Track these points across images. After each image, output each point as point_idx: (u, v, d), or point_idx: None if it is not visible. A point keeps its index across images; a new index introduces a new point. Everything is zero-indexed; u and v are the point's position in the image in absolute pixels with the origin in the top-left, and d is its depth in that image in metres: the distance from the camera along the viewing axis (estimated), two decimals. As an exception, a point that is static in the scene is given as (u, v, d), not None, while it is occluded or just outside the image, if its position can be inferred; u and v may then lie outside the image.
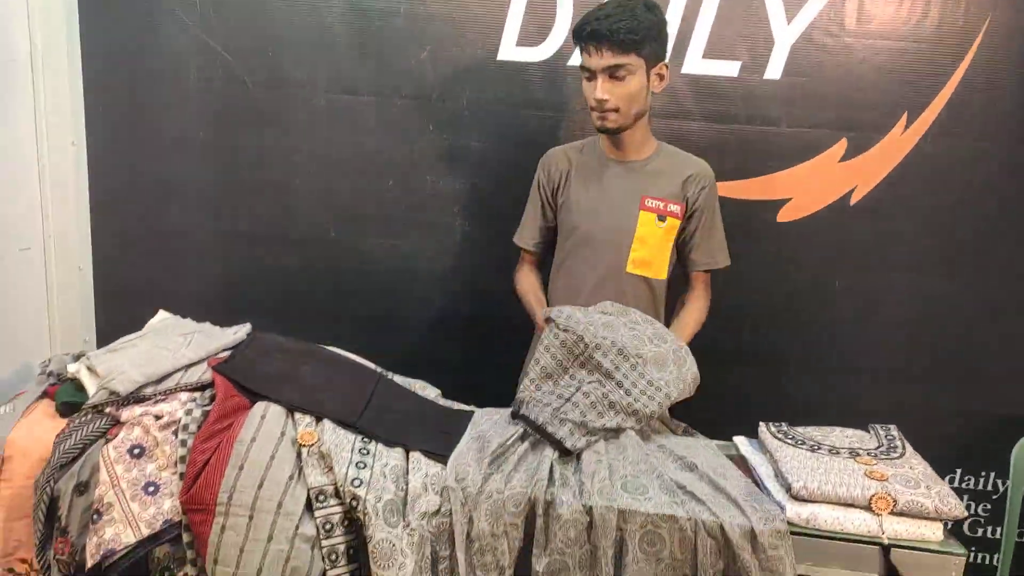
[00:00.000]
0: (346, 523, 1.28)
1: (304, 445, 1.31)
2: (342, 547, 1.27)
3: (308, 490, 1.27)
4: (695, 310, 1.81)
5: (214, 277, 2.27)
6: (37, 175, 2.14)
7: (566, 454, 1.40)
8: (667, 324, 1.79)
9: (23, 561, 1.37)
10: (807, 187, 2.03)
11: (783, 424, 1.55)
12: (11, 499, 1.35)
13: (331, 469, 1.29)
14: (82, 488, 1.30)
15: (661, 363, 1.52)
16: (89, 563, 1.24)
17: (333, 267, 2.25)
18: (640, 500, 1.29)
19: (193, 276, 2.27)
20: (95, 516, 1.25)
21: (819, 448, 1.43)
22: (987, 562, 2.17)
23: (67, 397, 1.43)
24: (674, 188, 1.77)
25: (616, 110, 1.67)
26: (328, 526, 1.26)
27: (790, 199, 2.04)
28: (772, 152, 2.04)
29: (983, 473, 2.15)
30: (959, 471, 2.15)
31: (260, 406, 1.36)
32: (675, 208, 1.76)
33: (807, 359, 2.14)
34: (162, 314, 1.73)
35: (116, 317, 2.26)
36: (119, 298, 2.29)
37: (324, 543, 1.25)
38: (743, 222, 2.02)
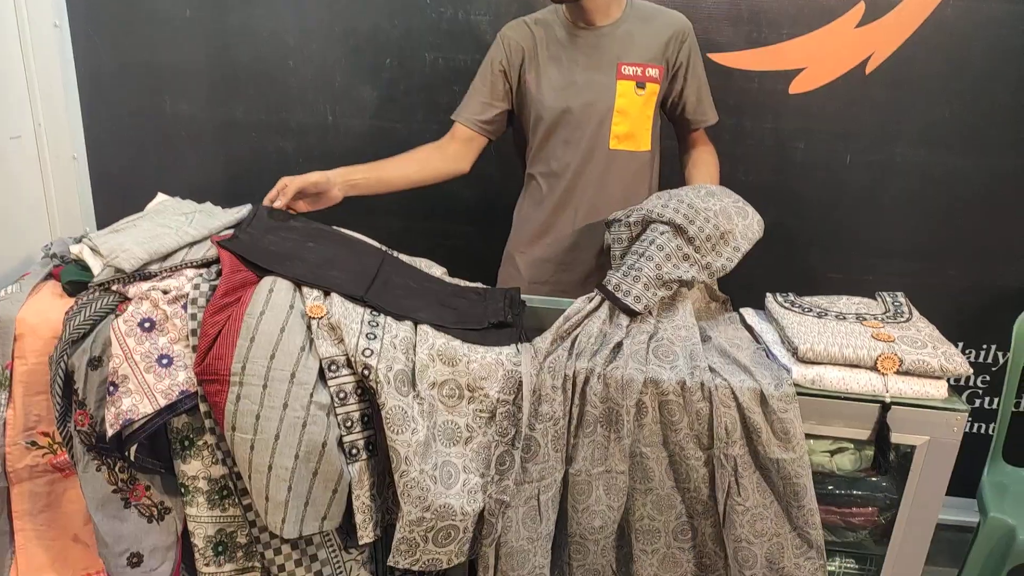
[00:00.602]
0: (359, 392, 1.29)
1: (313, 318, 1.31)
2: (356, 414, 1.29)
3: (320, 360, 1.28)
4: (712, 164, 1.77)
5: (210, 163, 2.23)
6: (21, 59, 2.06)
7: (634, 315, 1.40)
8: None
9: (44, 434, 1.40)
10: (821, 55, 1.95)
11: (790, 294, 1.55)
12: (26, 375, 1.37)
13: (341, 340, 1.29)
14: (95, 363, 1.31)
15: (728, 216, 1.48)
16: (109, 432, 1.26)
17: (332, 152, 2.21)
18: (664, 369, 1.31)
19: (189, 163, 2.23)
20: (111, 388, 1.27)
21: (826, 314, 1.44)
22: (983, 431, 2.23)
23: (73, 276, 1.43)
24: (652, 50, 1.67)
25: None
26: (342, 395, 1.28)
27: (804, 69, 1.97)
28: (785, 19, 1.95)
29: (984, 346, 2.18)
30: (961, 344, 2.18)
31: (267, 281, 1.36)
32: (653, 72, 1.67)
33: (815, 235, 2.12)
34: (161, 196, 1.70)
35: (114, 206, 2.23)
36: (116, 187, 2.26)
37: (339, 411, 1.28)
38: (754, 94, 1.96)
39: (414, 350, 1.33)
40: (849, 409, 1.30)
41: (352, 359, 1.28)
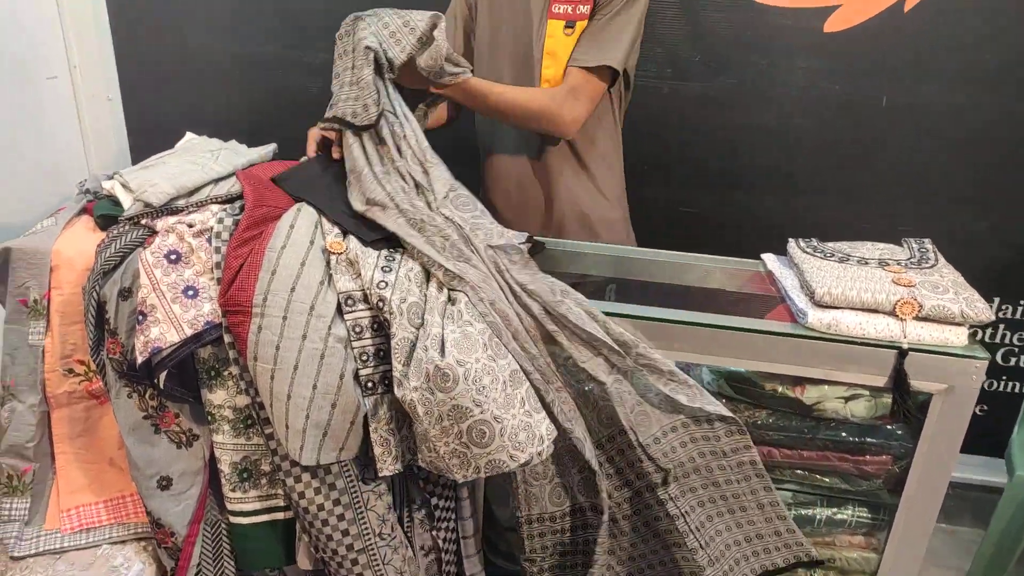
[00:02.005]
0: (375, 327, 1.32)
1: (333, 253, 1.34)
2: (371, 349, 1.32)
3: (338, 295, 1.31)
4: (535, 90, 1.62)
5: (237, 102, 2.26)
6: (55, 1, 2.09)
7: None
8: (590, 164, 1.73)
9: (80, 362, 1.47)
10: (858, -8, 1.87)
11: (813, 239, 1.53)
12: (63, 305, 1.43)
13: (359, 275, 1.32)
14: (125, 293, 1.36)
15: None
16: (139, 360, 1.31)
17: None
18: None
19: (218, 101, 2.26)
20: (140, 318, 1.32)
21: (848, 259, 1.41)
22: (1018, 390, 2.18)
23: (104, 211, 1.47)
24: None
25: None
26: (358, 329, 1.31)
27: (839, 6, 1.88)
28: (822, -46, 1.87)
29: (1022, 302, 2.12)
30: (997, 299, 2.11)
31: (289, 215, 1.38)
32: (584, 9, 1.59)
33: (848, 180, 2.06)
34: (189, 135, 1.74)
35: (148, 145, 2.27)
36: (149, 126, 2.30)
37: (355, 344, 1.31)
38: (787, 32, 1.89)
39: (427, 284, 1.35)
40: (865, 355, 1.28)
41: (368, 292, 1.30)
